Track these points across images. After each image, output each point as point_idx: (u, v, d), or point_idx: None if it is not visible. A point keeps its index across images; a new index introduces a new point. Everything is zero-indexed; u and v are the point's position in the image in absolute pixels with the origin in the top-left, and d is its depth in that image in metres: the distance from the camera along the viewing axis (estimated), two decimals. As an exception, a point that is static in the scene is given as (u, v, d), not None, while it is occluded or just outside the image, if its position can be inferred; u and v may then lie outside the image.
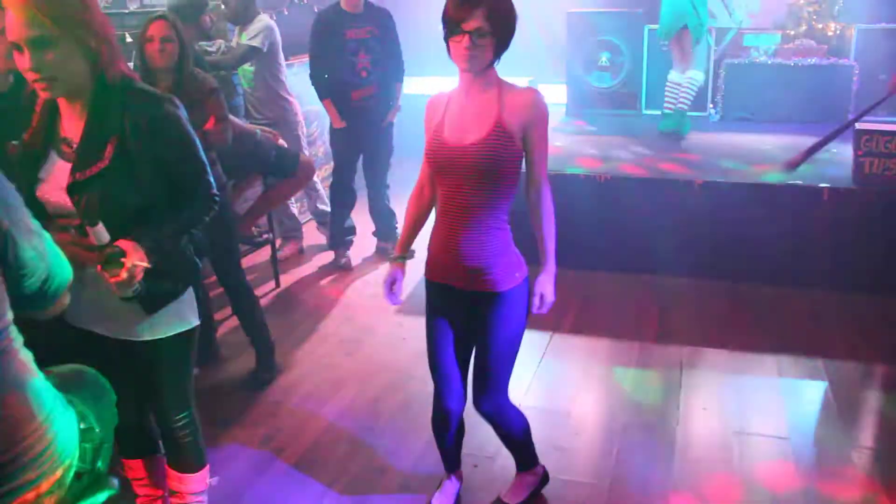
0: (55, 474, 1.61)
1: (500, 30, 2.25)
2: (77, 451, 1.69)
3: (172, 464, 2.59)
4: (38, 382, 1.63)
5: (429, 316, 2.64)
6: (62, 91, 2.02)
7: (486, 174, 2.35)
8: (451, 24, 2.24)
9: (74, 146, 2.07)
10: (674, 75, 6.06)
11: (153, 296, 2.17)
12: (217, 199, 2.29)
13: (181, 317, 2.32)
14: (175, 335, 2.31)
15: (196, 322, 2.38)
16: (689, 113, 6.18)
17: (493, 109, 2.35)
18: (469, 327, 2.60)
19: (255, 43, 4.98)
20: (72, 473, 1.67)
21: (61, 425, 1.64)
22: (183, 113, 2.16)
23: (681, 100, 6.05)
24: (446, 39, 2.28)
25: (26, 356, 1.61)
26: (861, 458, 3.21)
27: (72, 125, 2.09)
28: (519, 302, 2.54)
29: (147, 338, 2.26)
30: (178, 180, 2.18)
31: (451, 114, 2.41)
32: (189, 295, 2.34)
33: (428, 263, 2.59)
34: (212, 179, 2.26)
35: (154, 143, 2.08)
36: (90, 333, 2.26)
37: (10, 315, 1.57)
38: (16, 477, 1.54)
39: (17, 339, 1.59)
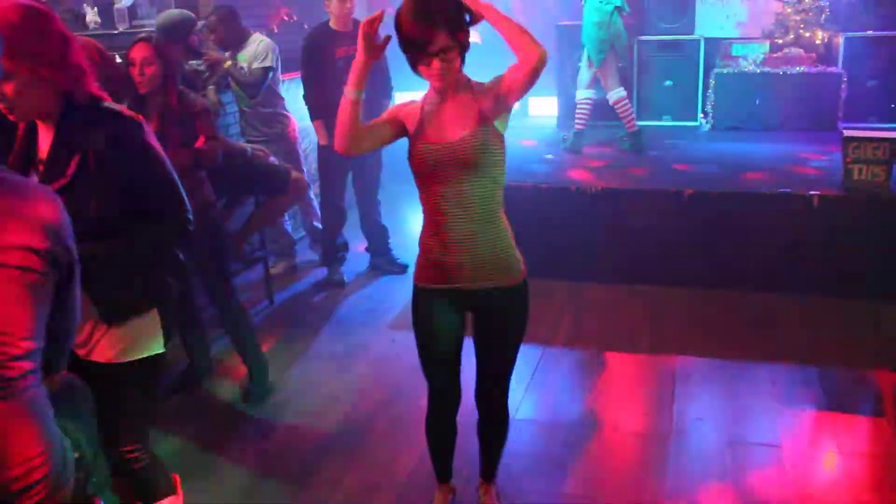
0: None
1: (462, 37, 2.30)
2: (70, 482, 1.69)
3: (123, 500, 2.48)
4: (48, 413, 1.64)
5: (425, 325, 2.59)
6: (26, 115, 2.08)
7: (480, 164, 2.38)
8: (416, 50, 2.27)
9: (42, 164, 2.11)
10: (617, 93, 6.01)
11: (112, 303, 2.16)
12: (189, 223, 2.27)
13: (144, 341, 2.26)
14: (135, 360, 2.25)
15: (160, 350, 2.31)
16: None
17: (471, 104, 2.40)
18: (467, 329, 2.59)
19: (269, 63, 5.02)
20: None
21: (57, 457, 1.64)
22: (145, 135, 2.17)
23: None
24: (414, 65, 2.32)
25: (41, 390, 1.63)
26: (855, 465, 3.21)
27: (45, 145, 2.13)
28: (528, 293, 2.60)
29: (104, 358, 2.22)
30: (143, 202, 2.18)
31: (428, 117, 2.43)
32: (154, 320, 2.29)
33: (427, 270, 2.54)
34: (184, 203, 2.25)
35: (113, 162, 2.09)
36: None
37: (43, 342, 1.62)
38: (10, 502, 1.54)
39: (40, 369, 1.63)
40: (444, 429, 2.78)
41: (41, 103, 2.05)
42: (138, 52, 3.43)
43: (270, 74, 5.07)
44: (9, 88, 1.96)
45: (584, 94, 6.06)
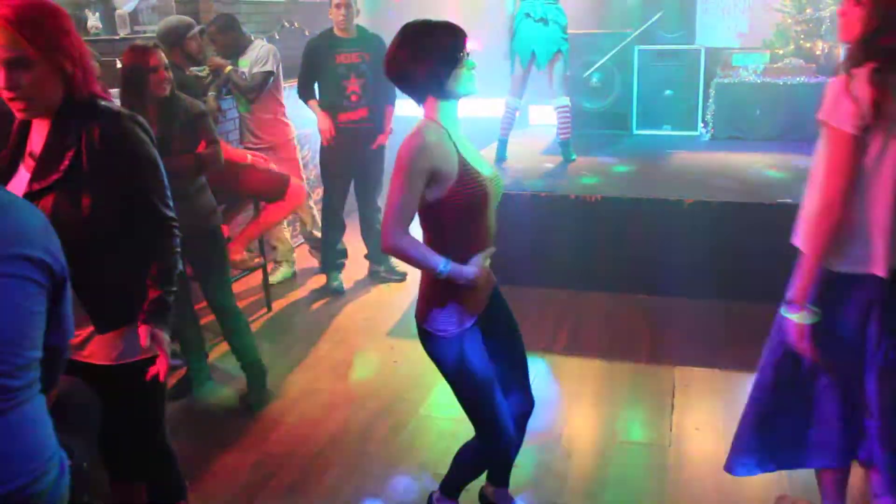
0: None
1: None
2: (66, 491, 1.69)
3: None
4: (49, 422, 1.63)
5: (483, 365, 2.46)
6: (37, 110, 2.06)
7: None
8: (462, 54, 2.28)
9: (37, 158, 2.10)
10: (564, 100, 5.90)
11: (106, 315, 2.16)
12: (175, 224, 2.25)
13: (139, 344, 2.22)
14: (136, 361, 2.23)
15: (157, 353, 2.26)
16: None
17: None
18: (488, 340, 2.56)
19: (269, 67, 5.04)
20: None
21: (59, 465, 1.64)
22: (144, 133, 2.16)
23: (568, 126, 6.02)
24: (452, 71, 2.26)
25: (41, 398, 1.63)
26: (855, 476, 3.19)
27: (39, 139, 2.12)
28: None
29: (104, 361, 2.21)
30: (132, 202, 2.16)
31: (462, 148, 2.34)
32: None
33: (471, 309, 2.42)
34: (169, 211, 2.23)
35: (107, 160, 2.07)
36: None
37: (41, 353, 1.61)
38: None
39: (39, 380, 1.63)
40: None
41: (52, 97, 2.04)
42: (159, 59, 3.41)
43: (271, 79, 5.08)
44: (28, 79, 1.96)
45: (561, 102, 5.94)
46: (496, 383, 2.48)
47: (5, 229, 1.54)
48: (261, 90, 5.07)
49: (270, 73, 5.04)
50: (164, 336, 2.17)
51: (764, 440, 2.62)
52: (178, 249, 2.26)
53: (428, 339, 2.45)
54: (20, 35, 1.91)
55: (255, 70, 5.02)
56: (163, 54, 3.46)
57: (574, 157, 6.03)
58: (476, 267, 2.31)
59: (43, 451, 1.60)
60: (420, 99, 2.34)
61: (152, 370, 2.15)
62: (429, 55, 2.24)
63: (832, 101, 2.28)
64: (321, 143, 5.15)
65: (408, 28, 2.29)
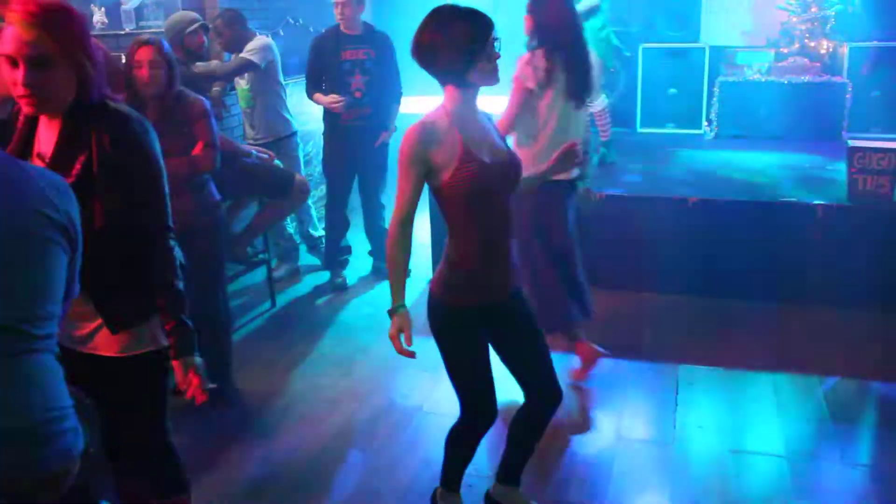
0: (55, 470, 1.63)
1: None
2: (76, 464, 1.70)
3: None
4: (62, 376, 1.71)
5: (470, 346, 2.54)
6: (48, 108, 2.04)
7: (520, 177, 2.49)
8: (488, 42, 2.27)
9: (47, 160, 2.08)
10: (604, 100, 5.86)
11: (119, 315, 2.17)
12: (171, 234, 2.23)
13: (148, 335, 2.24)
14: (141, 354, 2.24)
15: (165, 343, 2.27)
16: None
17: (486, 121, 2.47)
18: (506, 336, 2.63)
19: (252, 58, 4.96)
20: (66, 481, 1.67)
21: (71, 425, 1.67)
22: (151, 137, 2.14)
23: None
24: (475, 59, 2.27)
25: (53, 355, 1.69)
26: (858, 475, 3.20)
27: (48, 140, 2.10)
28: None
29: (109, 353, 2.21)
30: (135, 205, 2.14)
31: (468, 136, 2.35)
32: (157, 317, 2.25)
33: (469, 290, 2.48)
34: (167, 218, 2.22)
35: (115, 164, 2.06)
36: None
37: (60, 310, 1.68)
38: (19, 453, 1.58)
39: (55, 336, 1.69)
40: (478, 443, 2.75)
41: (66, 97, 2.02)
42: (145, 54, 3.36)
43: (251, 68, 5.00)
44: (48, 77, 1.94)
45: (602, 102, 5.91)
46: (488, 362, 2.56)
47: (28, 189, 1.59)
48: (232, 74, 5.03)
49: (249, 62, 4.96)
50: (197, 362, 2.22)
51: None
52: (179, 262, 2.24)
53: (430, 303, 2.56)
54: (46, 33, 1.89)
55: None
56: (155, 51, 3.37)
57: (615, 158, 5.95)
58: (395, 334, 2.51)
59: (60, 398, 1.67)
60: (441, 83, 2.37)
61: (188, 394, 2.23)
62: (454, 41, 2.25)
63: (521, 69, 3.50)
64: (326, 109, 5.06)
65: (436, 12, 2.29)
